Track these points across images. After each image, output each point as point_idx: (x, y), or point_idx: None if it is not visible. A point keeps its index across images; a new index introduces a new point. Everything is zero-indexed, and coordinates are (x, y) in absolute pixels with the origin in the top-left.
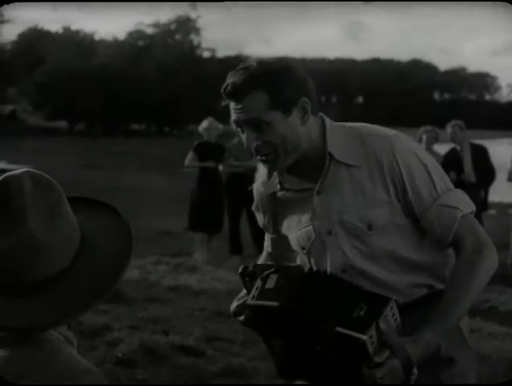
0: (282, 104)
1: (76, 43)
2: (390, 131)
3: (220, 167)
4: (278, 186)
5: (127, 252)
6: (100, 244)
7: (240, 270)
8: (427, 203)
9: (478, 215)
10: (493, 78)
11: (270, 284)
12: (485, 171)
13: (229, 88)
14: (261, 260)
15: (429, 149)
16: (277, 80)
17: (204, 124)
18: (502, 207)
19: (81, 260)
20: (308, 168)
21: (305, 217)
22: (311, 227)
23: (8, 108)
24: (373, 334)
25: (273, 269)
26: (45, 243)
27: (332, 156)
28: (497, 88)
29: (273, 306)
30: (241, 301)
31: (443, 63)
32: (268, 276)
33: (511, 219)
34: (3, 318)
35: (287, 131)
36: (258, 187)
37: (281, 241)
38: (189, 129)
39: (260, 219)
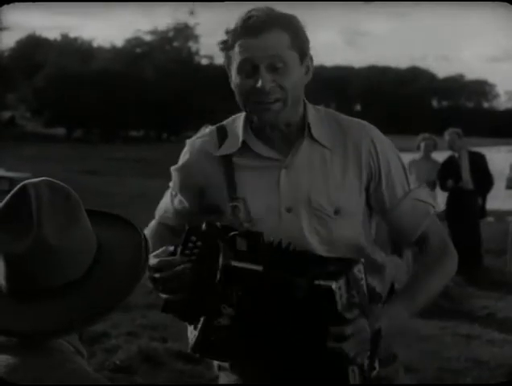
0: (300, 47)
1: (75, 50)
2: (364, 121)
3: None
4: (239, 147)
5: (143, 263)
6: (116, 255)
7: (187, 227)
8: (399, 196)
9: (476, 222)
10: (492, 85)
11: (242, 246)
12: (483, 179)
13: (251, 21)
14: (151, 231)
15: (427, 156)
16: (295, 23)
17: (203, 131)
18: (500, 214)
19: (97, 269)
20: (281, 137)
21: (262, 188)
22: (267, 200)
23: (6, 114)
24: (341, 286)
25: (237, 232)
26: (59, 248)
27: (310, 131)
28: (496, 96)
29: (257, 271)
30: (165, 257)
31: (442, 70)
32: (234, 238)
33: (509, 226)
34: (10, 322)
35: (298, 78)
36: (200, 146)
37: (192, 212)
38: (188, 135)
39: (180, 182)
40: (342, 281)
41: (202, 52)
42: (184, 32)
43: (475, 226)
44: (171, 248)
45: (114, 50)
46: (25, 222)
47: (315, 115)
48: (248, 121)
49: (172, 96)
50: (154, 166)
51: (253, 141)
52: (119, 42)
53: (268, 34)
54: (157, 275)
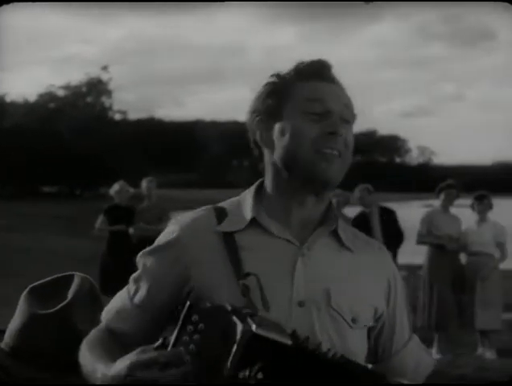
0: (353, 117)
1: None
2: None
3: (131, 230)
4: (247, 223)
5: None
6: None
7: (187, 303)
8: (406, 339)
9: None
10: (404, 141)
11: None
12: (394, 234)
13: (324, 66)
14: (91, 341)
15: (339, 212)
16: None
17: (116, 187)
18: (412, 268)
19: None
20: (299, 221)
21: (273, 273)
22: (277, 288)
23: None
24: None
25: (252, 311)
26: (79, 331)
27: (336, 222)
28: (408, 151)
29: (286, 345)
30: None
31: (355, 126)
32: (253, 316)
33: (420, 280)
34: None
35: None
36: (192, 222)
37: (162, 307)
38: (100, 191)
39: (158, 265)
40: None
41: (115, 107)
42: (97, 87)
43: None
44: (159, 341)
45: (27, 105)
46: (60, 297)
47: None
48: (259, 199)
49: (85, 151)
50: (67, 221)
51: (264, 218)
52: (32, 97)
53: (340, 85)
54: (143, 374)
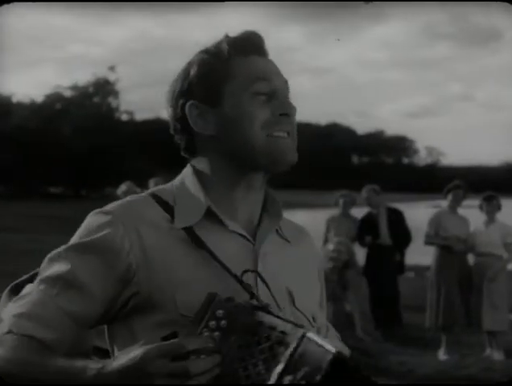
0: None
1: None
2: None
3: None
4: (202, 214)
5: None
6: None
7: (210, 294)
8: (327, 328)
9: (394, 277)
10: (411, 141)
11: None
12: (401, 234)
13: (257, 38)
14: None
15: (346, 213)
16: None
17: (123, 187)
18: (419, 269)
19: None
20: (246, 209)
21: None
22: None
23: None
24: None
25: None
26: None
27: (281, 213)
28: (415, 151)
29: (331, 351)
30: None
31: (362, 127)
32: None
33: (428, 281)
34: None
35: None
36: (131, 214)
37: (97, 312)
38: (106, 192)
39: (94, 264)
40: None
41: (122, 108)
42: (104, 88)
43: (393, 282)
44: (168, 334)
45: (33, 105)
46: None
47: None
48: (203, 185)
49: (92, 152)
50: (73, 223)
51: (216, 209)
52: (39, 98)
53: (272, 59)
54: (168, 365)
